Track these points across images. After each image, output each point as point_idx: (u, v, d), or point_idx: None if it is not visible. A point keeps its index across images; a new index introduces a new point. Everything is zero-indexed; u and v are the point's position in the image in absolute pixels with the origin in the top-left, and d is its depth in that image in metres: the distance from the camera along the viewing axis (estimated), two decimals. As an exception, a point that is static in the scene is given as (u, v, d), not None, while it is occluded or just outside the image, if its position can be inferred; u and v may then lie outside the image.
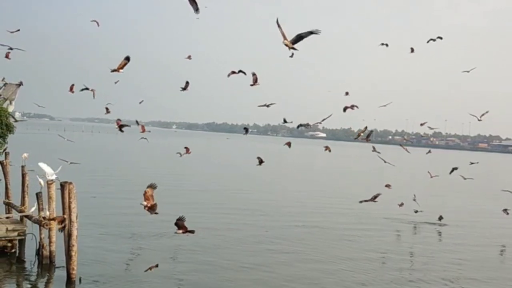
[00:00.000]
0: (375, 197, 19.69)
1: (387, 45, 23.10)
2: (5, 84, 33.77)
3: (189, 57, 17.87)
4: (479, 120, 22.65)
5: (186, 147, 25.77)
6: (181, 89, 17.90)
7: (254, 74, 16.25)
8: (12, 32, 26.40)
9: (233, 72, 16.68)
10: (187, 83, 17.79)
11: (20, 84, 34.19)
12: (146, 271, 17.49)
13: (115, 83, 28.86)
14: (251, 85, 16.42)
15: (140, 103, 26.02)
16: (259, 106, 20.32)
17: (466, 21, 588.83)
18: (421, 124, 31.57)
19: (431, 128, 33.43)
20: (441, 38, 22.57)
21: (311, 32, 9.30)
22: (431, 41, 22.05)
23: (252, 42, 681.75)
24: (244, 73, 16.52)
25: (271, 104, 20.12)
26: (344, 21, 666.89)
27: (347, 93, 24.10)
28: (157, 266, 17.62)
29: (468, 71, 23.77)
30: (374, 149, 26.58)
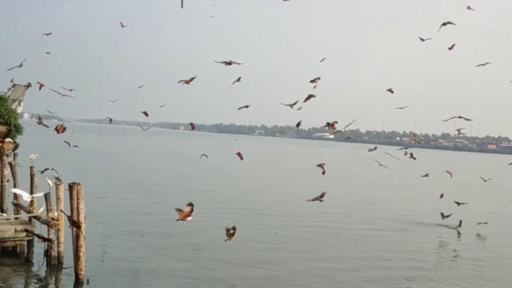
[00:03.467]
0: (322, 196, 19.14)
1: (424, 40, 22.53)
2: (14, 86, 33.93)
3: (226, 63, 17.82)
4: (459, 117, 22.21)
5: (239, 153, 25.38)
6: (233, 82, 17.75)
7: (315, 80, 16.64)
8: (47, 35, 26.84)
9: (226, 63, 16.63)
10: (239, 78, 17.63)
11: (29, 85, 34.33)
12: (226, 240, 17.29)
13: (139, 87, 29.45)
14: (311, 81, 16.80)
15: (160, 107, 26.15)
16: (239, 108, 20.96)
17: (477, 23, 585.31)
18: (457, 130, 31.30)
19: (459, 133, 33.11)
20: (452, 23, 22.06)
21: None
22: (443, 26, 21.54)
23: (258, 44, 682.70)
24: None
25: (249, 105, 20.60)
26: (351, 22, 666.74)
27: (391, 91, 23.66)
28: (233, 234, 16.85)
29: (483, 65, 23.45)
30: (411, 156, 26.06)
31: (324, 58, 23.22)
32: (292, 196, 46.23)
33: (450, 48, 23.29)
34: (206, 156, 34.87)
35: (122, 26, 26.23)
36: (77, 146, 30.50)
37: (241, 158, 24.98)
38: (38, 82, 24.10)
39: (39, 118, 25.40)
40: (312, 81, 17.30)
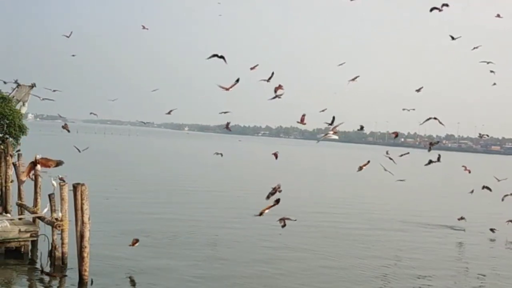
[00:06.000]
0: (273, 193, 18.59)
1: (453, 38, 22.37)
2: (18, 86, 33.95)
3: (253, 68, 17.84)
4: (434, 119, 21.91)
5: (275, 153, 25.37)
6: (266, 80, 17.57)
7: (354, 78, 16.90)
8: (67, 37, 27.15)
9: (215, 55, 16.36)
10: (272, 73, 17.36)
11: (33, 85, 34.35)
12: (281, 223, 17.00)
13: (153, 91, 29.98)
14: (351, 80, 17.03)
15: (172, 111, 26.32)
16: (220, 113, 21.55)
17: (481, 24, 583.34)
18: (479, 134, 31.01)
19: (480, 136, 32.80)
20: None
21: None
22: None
23: (259, 44, 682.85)
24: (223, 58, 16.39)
25: (228, 111, 21.65)
26: (352, 22, 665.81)
27: (419, 90, 23.53)
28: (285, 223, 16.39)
29: (487, 62, 23.42)
30: (438, 159, 25.59)
31: (344, 63, 23.15)
32: (296, 197, 46.21)
33: (474, 48, 23.29)
34: (221, 154, 35.04)
35: (144, 28, 26.77)
36: (79, 150, 30.63)
37: (276, 157, 25.02)
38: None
39: (65, 125, 25.99)
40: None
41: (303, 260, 24.07)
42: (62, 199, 19.87)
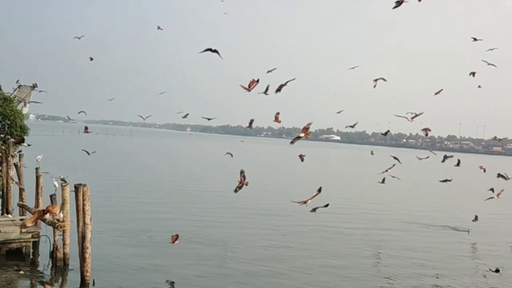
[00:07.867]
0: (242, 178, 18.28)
1: (475, 39, 22.24)
2: (19, 86, 33.92)
3: (270, 71, 17.87)
4: (409, 120, 21.76)
5: (301, 155, 25.27)
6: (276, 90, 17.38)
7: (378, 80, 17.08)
8: (79, 38, 27.43)
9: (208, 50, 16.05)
10: (292, 79, 17.08)
11: (35, 86, 34.32)
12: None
13: (160, 93, 30.22)
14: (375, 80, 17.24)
15: (184, 117, 26.40)
16: (203, 117, 22.33)
17: (484, 25, 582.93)
18: (499, 139, 30.94)
19: (495, 138, 32.54)
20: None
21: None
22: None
23: (259, 44, 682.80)
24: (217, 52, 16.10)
25: (213, 118, 22.61)
26: (356, 24, 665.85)
27: (438, 92, 23.42)
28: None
29: (487, 63, 23.31)
30: (458, 163, 25.53)
31: (356, 66, 23.12)
32: (296, 197, 46.06)
33: (490, 50, 23.23)
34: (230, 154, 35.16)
35: (158, 28, 27.24)
36: (88, 153, 30.82)
37: (302, 160, 24.90)
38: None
39: (86, 127, 26.56)
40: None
41: (305, 260, 24.00)
42: (63, 199, 19.82)
